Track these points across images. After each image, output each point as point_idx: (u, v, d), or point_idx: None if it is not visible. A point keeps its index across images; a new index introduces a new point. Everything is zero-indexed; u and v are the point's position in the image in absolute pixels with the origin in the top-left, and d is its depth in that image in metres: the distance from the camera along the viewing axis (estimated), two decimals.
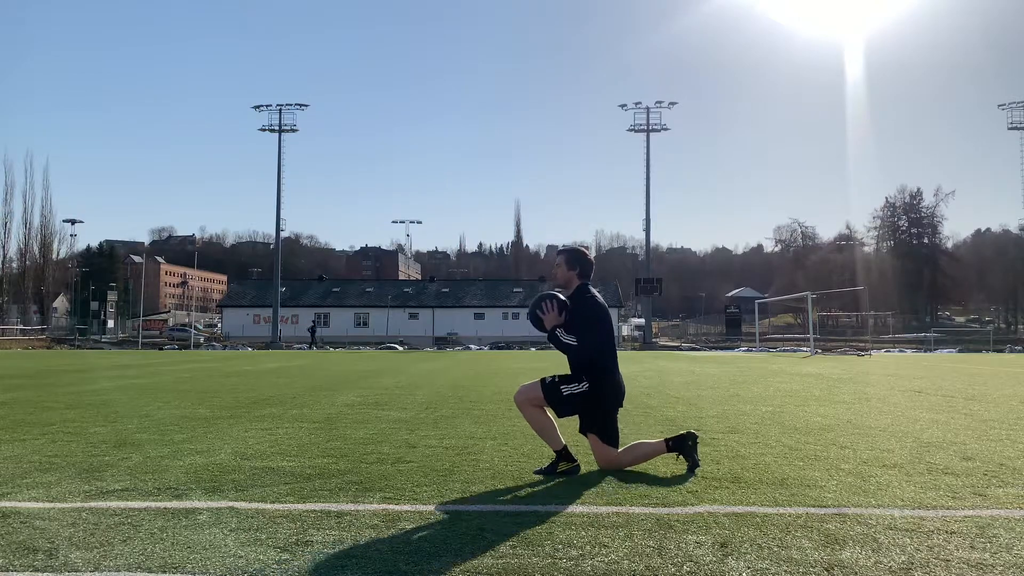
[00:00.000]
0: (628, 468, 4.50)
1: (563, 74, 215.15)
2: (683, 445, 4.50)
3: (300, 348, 47.19)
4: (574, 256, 4.61)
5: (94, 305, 73.71)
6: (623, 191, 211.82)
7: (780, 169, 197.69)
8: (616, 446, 4.50)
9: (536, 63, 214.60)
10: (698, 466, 4.48)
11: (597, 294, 4.60)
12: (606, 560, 2.79)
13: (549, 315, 4.46)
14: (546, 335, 4.53)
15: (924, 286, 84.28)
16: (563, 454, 4.44)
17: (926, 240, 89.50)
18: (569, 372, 4.54)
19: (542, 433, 4.51)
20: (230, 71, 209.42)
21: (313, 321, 56.41)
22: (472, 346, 52.01)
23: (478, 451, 5.21)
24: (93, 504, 3.64)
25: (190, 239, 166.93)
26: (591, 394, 4.43)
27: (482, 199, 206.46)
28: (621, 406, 4.60)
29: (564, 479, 4.26)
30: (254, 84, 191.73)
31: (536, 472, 4.43)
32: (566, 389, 4.43)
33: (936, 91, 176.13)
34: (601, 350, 4.46)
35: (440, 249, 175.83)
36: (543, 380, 4.50)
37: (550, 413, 4.52)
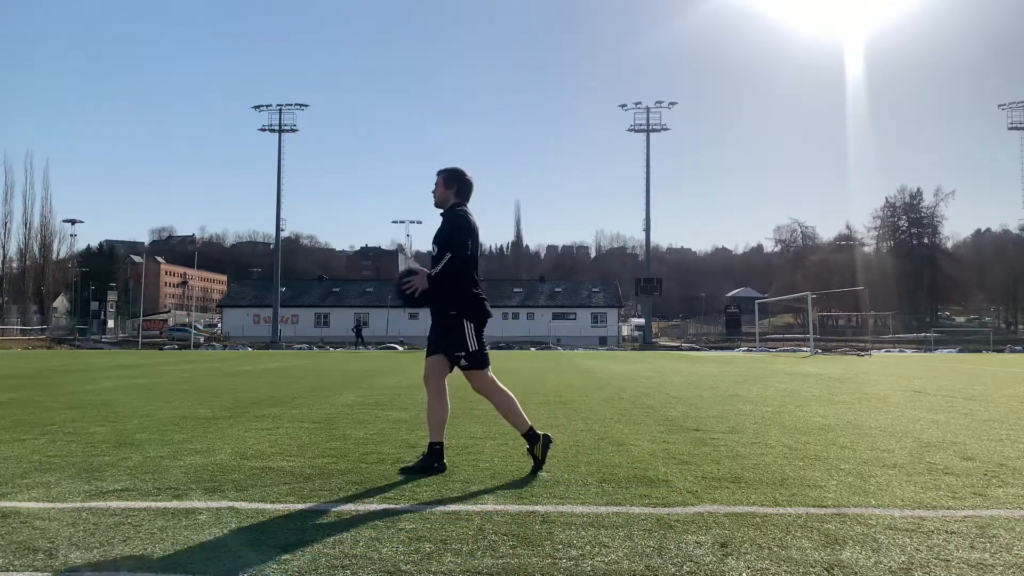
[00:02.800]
0: (505, 416, 4.49)
1: (563, 74, 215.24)
2: (536, 441, 4.43)
3: (301, 348, 47.18)
4: (452, 175, 4.55)
5: (94, 305, 73.77)
6: (623, 191, 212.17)
7: (780, 169, 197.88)
8: (487, 368, 4.46)
9: (536, 63, 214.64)
10: (540, 469, 4.40)
11: (471, 213, 4.52)
12: (606, 560, 2.79)
13: (416, 279, 4.37)
14: (428, 297, 4.39)
15: (924, 286, 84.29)
16: (531, 435, 4.43)
17: (926, 240, 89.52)
18: (448, 330, 4.40)
19: (509, 415, 4.48)
20: (230, 71, 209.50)
21: (358, 320, 55.49)
22: None
23: (478, 451, 5.21)
24: (93, 504, 3.63)
25: (190, 239, 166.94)
26: (477, 322, 4.40)
27: (482, 199, 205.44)
28: (484, 325, 4.52)
29: (564, 479, 4.24)
30: (254, 84, 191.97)
31: (533, 472, 4.40)
32: (472, 343, 4.38)
33: (936, 91, 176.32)
34: (465, 264, 4.39)
35: None
36: (462, 366, 4.42)
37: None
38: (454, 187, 4.55)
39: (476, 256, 4.50)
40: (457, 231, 4.40)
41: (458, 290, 4.40)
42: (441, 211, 4.58)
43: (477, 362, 4.43)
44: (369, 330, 65.25)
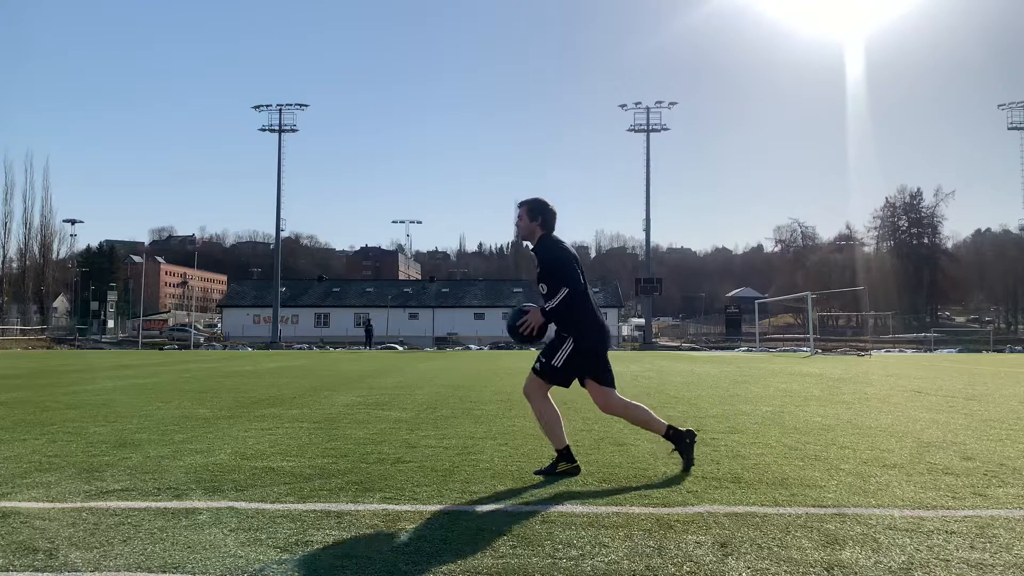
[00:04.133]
0: (629, 424, 4.44)
1: (563, 74, 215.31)
2: (680, 439, 4.46)
3: (301, 348, 47.19)
4: (536, 206, 4.49)
5: (94, 305, 73.72)
6: (623, 191, 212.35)
7: (780, 169, 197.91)
8: (613, 387, 4.43)
9: (536, 63, 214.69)
10: (692, 464, 4.46)
11: (563, 241, 4.50)
12: (606, 560, 2.79)
13: (530, 316, 4.37)
14: (544, 333, 4.43)
15: (924, 286, 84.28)
16: (564, 454, 4.41)
17: (926, 240, 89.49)
18: (551, 343, 4.45)
19: (548, 429, 4.45)
20: (230, 71, 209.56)
21: (368, 320, 55.38)
22: (472, 346, 51.99)
23: (478, 451, 5.21)
24: (93, 504, 3.63)
25: (190, 239, 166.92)
26: (580, 347, 4.36)
27: (482, 199, 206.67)
28: (608, 347, 4.52)
29: (564, 479, 4.26)
30: (254, 84, 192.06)
31: (536, 472, 4.42)
32: (557, 360, 4.36)
33: (936, 91, 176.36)
34: (578, 295, 4.38)
35: (440, 249, 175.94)
36: (534, 369, 4.44)
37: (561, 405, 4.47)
38: (539, 219, 4.49)
39: (586, 282, 4.46)
40: (563, 263, 4.34)
41: (572, 318, 4.37)
42: (530, 245, 4.55)
43: (549, 374, 4.40)
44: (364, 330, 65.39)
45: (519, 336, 4.45)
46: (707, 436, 5.92)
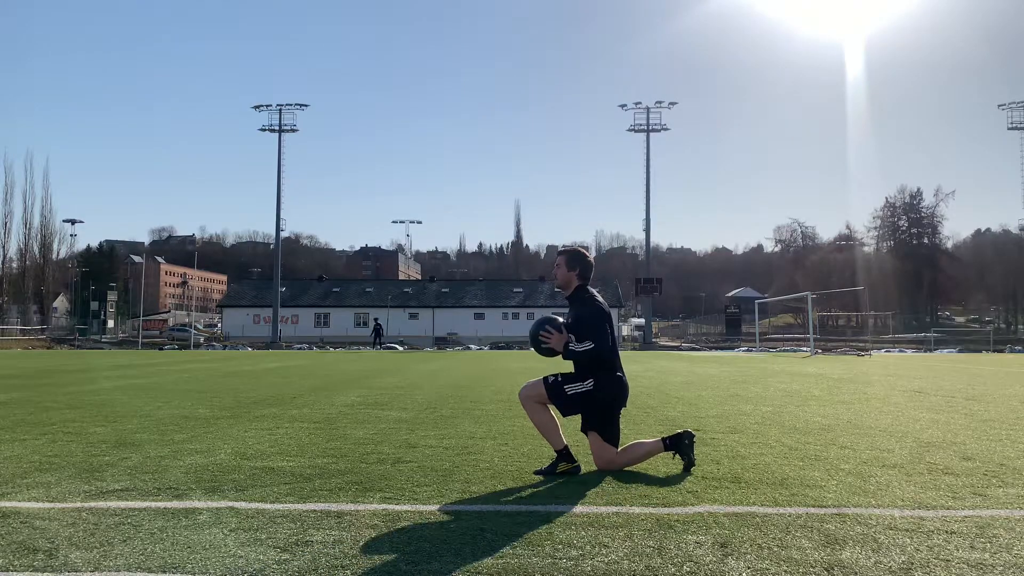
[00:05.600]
0: (626, 468, 4.50)
1: (563, 74, 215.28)
2: (679, 444, 4.49)
3: (301, 348, 47.18)
4: (575, 257, 4.59)
5: (94, 305, 73.76)
6: (623, 191, 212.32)
7: (780, 169, 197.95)
8: (616, 446, 4.49)
9: (536, 63, 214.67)
10: (693, 464, 4.48)
11: (597, 294, 4.61)
12: (606, 560, 2.79)
13: (554, 337, 4.41)
14: (559, 356, 4.48)
15: (924, 286, 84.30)
16: (564, 454, 4.42)
17: (926, 240, 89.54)
18: (572, 371, 4.52)
19: (544, 431, 4.49)
20: (230, 71, 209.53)
21: (376, 320, 55.09)
22: (472, 346, 52.01)
23: (478, 451, 5.21)
24: (93, 504, 3.63)
25: (190, 239, 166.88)
26: (596, 394, 4.41)
27: (482, 199, 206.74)
28: (624, 406, 4.59)
29: (564, 479, 4.26)
30: (254, 84, 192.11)
31: (536, 472, 4.42)
32: (570, 389, 4.41)
33: (936, 91, 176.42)
34: (609, 348, 4.45)
35: (440, 249, 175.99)
36: (546, 379, 4.49)
37: (554, 412, 4.51)
38: (577, 269, 4.56)
39: (615, 338, 4.50)
40: (595, 320, 4.41)
41: (594, 370, 4.43)
42: (566, 293, 4.61)
43: (556, 396, 4.41)
44: (369, 330, 65.31)
45: (539, 346, 4.50)
46: (707, 436, 5.92)
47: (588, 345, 4.36)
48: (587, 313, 4.45)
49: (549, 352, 4.47)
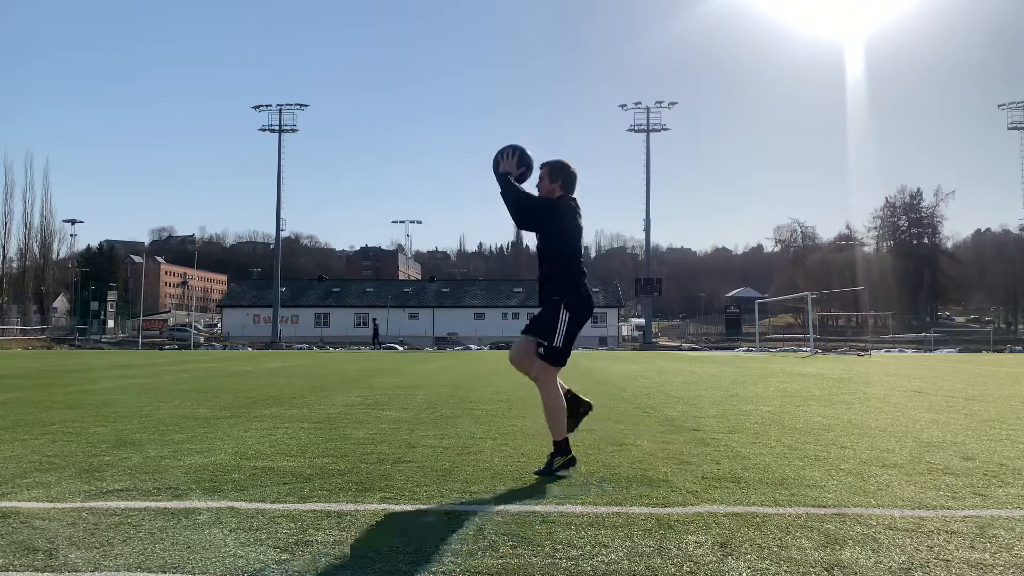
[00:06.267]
0: (547, 410, 4.33)
1: (563, 74, 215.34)
2: (577, 408, 4.43)
3: (301, 348, 47.17)
4: (557, 168, 4.49)
5: (94, 305, 73.73)
6: (623, 191, 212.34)
7: (780, 169, 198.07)
8: (563, 364, 4.37)
9: (536, 63, 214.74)
10: (541, 474, 4.30)
11: (578, 207, 4.50)
12: (606, 560, 2.79)
13: (505, 162, 4.40)
14: (503, 193, 4.41)
15: (924, 286, 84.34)
16: (562, 446, 4.32)
17: (926, 240, 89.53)
18: (542, 316, 4.39)
19: (552, 417, 4.32)
20: (230, 71, 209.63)
21: (375, 320, 55.16)
22: (472, 346, 51.99)
23: (478, 451, 5.21)
24: (93, 504, 3.63)
25: (190, 239, 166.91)
26: (576, 318, 4.33)
27: (482, 199, 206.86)
28: (583, 322, 4.44)
29: (564, 479, 4.24)
30: (254, 84, 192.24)
31: (536, 473, 4.41)
32: (558, 339, 4.30)
33: (936, 91, 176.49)
34: (576, 257, 4.39)
35: (440, 249, 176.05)
36: (538, 353, 4.33)
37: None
38: (559, 180, 4.48)
39: (581, 251, 4.49)
40: (564, 217, 4.39)
41: (564, 282, 4.38)
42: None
43: (555, 357, 4.32)
44: (369, 330, 65.30)
45: (496, 160, 4.51)
46: (707, 436, 5.92)
47: (529, 205, 4.39)
48: (558, 212, 4.39)
49: (496, 167, 4.45)
